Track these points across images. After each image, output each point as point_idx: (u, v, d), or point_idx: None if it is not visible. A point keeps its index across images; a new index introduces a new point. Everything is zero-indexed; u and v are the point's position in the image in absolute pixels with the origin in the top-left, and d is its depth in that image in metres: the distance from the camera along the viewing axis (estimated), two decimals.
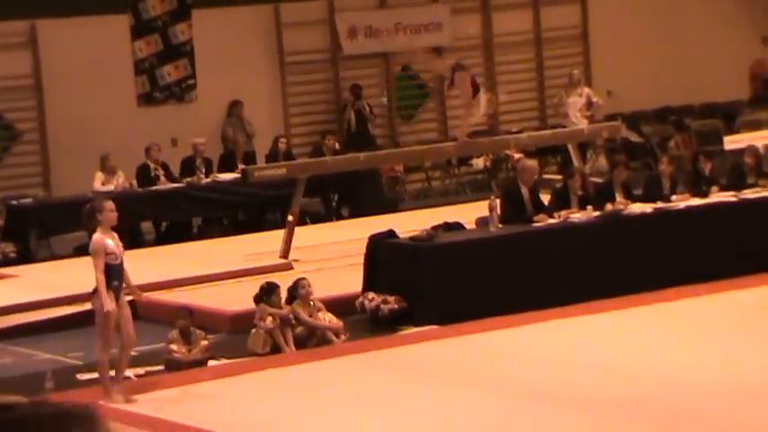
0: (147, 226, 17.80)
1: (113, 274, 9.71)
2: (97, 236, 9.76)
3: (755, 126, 19.38)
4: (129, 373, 10.50)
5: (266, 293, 11.32)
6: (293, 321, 11.28)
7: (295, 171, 15.33)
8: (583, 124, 18.45)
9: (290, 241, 14.67)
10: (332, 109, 20.36)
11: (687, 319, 11.43)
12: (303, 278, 11.56)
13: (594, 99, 19.56)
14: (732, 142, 16.57)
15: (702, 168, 14.14)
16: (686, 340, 10.70)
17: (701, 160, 14.37)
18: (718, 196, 13.65)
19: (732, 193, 13.71)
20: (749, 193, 13.66)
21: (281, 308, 11.28)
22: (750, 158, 14.40)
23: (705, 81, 22.01)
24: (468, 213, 14.14)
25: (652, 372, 9.71)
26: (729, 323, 11.20)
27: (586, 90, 19.76)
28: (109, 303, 9.58)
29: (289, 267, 13.99)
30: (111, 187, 17.12)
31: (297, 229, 14.91)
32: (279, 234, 15.02)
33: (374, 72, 20.68)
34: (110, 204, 9.93)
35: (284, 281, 11.74)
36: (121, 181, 17.29)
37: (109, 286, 9.66)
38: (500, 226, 12.57)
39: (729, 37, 22.46)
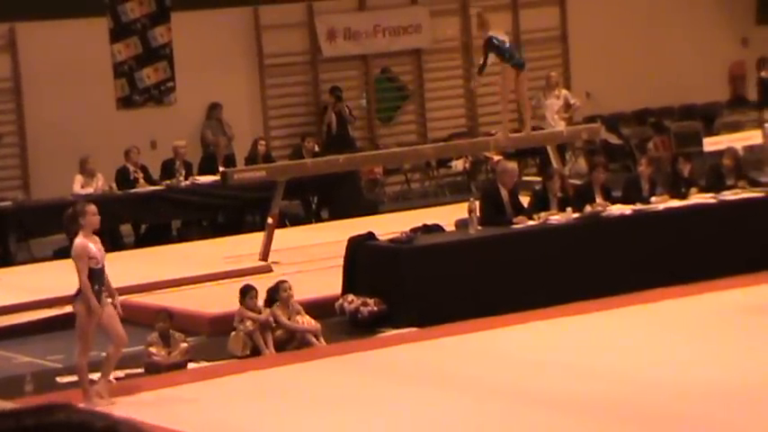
0: (126, 229, 17.76)
1: (95, 278, 9.70)
2: (80, 240, 9.74)
3: (734, 128, 19.45)
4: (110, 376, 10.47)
5: (242, 295, 11.31)
6: (273, 324, 11.27)
7: (274, 173, 15.32)
8: (560, 126, 18.47)
9: (270, 244, 14.66)
10: (311, 111, 20.36)
11: (667, 321, 11.46)
12: (284, 281, 11.55)
13: (572, 101, 19.61)
14: (711, 144, 16.63)
15: (681, 170, 14.18)
16: (666, 342, 10.73)
17: (680, 162, 14.40)
18: (697, 198, 13.69)
19: (711, 194, 13.75)
20: (728, 195, 13.71)
21: (257, 310, 11.27)
22: (729, 160, 14.43)
23: (684, 83, 22.07)
24: (448, 215, 14.15)
25: (631, 373, 9.73)
26: (708, 324, 11.23)
27: (564, 92, 19.80)
28: (96, 305, 9.56)
29: (268, 270, 13.98)
30: (90, 190, 17.07)
31: (276, 231, 14.90)
32: (258, 236, 15.00)
33: (353, 74, 20.69)
34: (92, 208, 9.92)
35: (263, 283, 11.73)
36: (101, 184, 17.24)
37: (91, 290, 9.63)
38: (479, 228, 12.58)
39: (709, 39, 22.53)
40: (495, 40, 14.60)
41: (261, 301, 11.40)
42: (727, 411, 8.71)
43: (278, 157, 18.66)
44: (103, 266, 9.78)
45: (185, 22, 19.16)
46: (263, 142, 18.63)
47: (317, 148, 18.56)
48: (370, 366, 10.57)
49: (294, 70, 20.17)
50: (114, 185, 17.37)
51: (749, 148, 16.73)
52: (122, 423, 1.74)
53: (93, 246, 9.75)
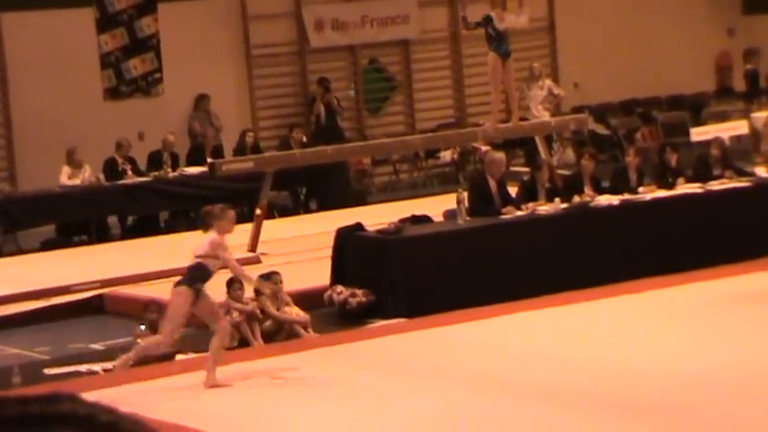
0: (114, 220, 17.73)
1: (206, 275, 9.74)
2: (217, 237, 9.77)
3: (721, 118, 19.48)
4: (97, 367, 10.47)
5: (228, 287, 11.30)
6: (260, 315, 11.27)
7: (263, 164, 15.30)
8: (545, 117, 18.49)
9: (258, 235, 14.65)
10: (299, 102, 20.33)
11: (654, 311, 11.48)
12: (276, 272, 11.54)
13: (556, 91, 19.61)
14: (698, 134, 16.65)
15: (669, 160, 14.20)
16: (653, 331, 10.74)
17: (668, 152, 14.42)
18: (684, 188, 13.72)
19: (698, 184, 13.77)
20: (715, 185, 13.73)
21: (244, 301, 11.27)
22: (716, 150, 14.46)
23: (671, 73, 22.09)
24: (436, 206, 14.15)
25: (619, 363, 9.75)
26: (696, 314, 11.25)
27: (548, 83, 19.81)
28: (250, 276, 10.15)
29: (257, 261, 13.97)
30: (77, 181, 17.05)
31: (265, 222, 14.88)
32: (247, 228, 14.98)
33: (341, 65, 20.67)
34: (232, 215, 10.00)
35: (252, 274, 11.71)
36: (87, 175, 17.21)
37: (193, 286, 9.68)
38: (468, 219, 12.58)
39: (695, 29, 22.55)
40: (490, 22, 14.60)
41: (249, 292, 11.39)
42: (713, 401, 8.73)
43: (266, 148, 18.64)
44: (215, 271, 9.87)
45: (172, 13, 19.11)
46: (251, 133, 18.60)
47: (305, 139, 18.55)
48: (359, 357, 10.58)
49: (282, 61, 20.14)
50: (102, 177, 17.34)
51: (736, 139, 16.77)
52: (126, 418, 1.73)
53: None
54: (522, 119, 17.40)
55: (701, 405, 8.69)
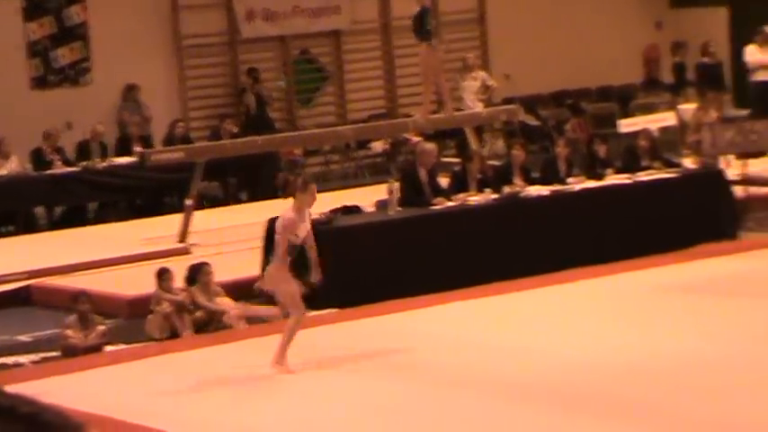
0: (41, 211, 17.54)
1: (289, 251, 9.70)
2: (290, 215, 9.71)
3: (649, 109, 19.64)
4: (24, 359, 10.36)
5: (158, 278, 11.23)
6: (191, 306, 11.21)
7: (193, 155, 15.22)
8: (478, 108, 18.55)
9: (188, 225, 14.57)
10: (230, 92, 20.23)
11: (584, 301, 11.57)
12: (207, 263, 11.49)
13: (490, 83, 19.69)
14: (627, 125, 16.77)
15: (598, 151, 14.32)
16: (583, 321, 10.83)
17: (597, 143, 14.54)
18: (612, 179, 13.84)
19: (627, 175, 13.90)
20: (643, 176, 13.87)
21: (174, 292, 11.20)
22: (644, 141, 14.61)
23: (600, 65, 22.26)
24: (368, 197, 14.15)
25: (551, 353, 9.81)
26: (625, 304, 11.35)
27: (481, 74, 19.87)
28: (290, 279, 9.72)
29: (186, 251, 13.89)
30: (4, 172, 16.84)
31: (195, 212, 14.80)
32: (177, 218, 14.90)
33: (272, 55, 20.58)
34: (314, 188, 9.85)
35: (182, 265, 11.66)
36: (14, 165, 17.01)
37: (285, 262, 9.67)
38: (399, 209, 12.60)
39: (624, 22, 22.75)
40: (424, 14, 14.60)
41: (180, 282, 11.33)
42: (642, 389, 8.82)
43: (196, 138, 18.52)
44: (303, 242, 9.77)
45: (101, 2, 18.92)
46: (181, 124, 18.48)
47: (235, 130, 18.46)
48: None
49: (212, 51, 20.02)
50: (29, 167, 17.15)
51: (664, 130, 16.92)
52: (48, 409, 1.71)
53: (302, 222, 9.71)
54: (456, 110, 17.45)
55: (629, 394, 8.77)
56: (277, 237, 9.74)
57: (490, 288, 11.90)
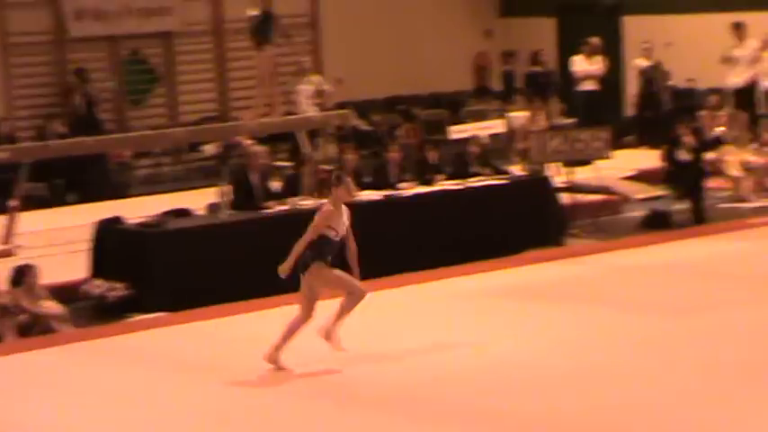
0: None
1: (330, 247, 9.46)
2: (329, 208, 9.47)
3: (480, 116, 19.93)
4: None
5: None
6: (14, 309, 10.96)
7: (18, 155, 14.86)
8: (313, 112, 18.58)
9: (13, 227, 14.22)
10: (57, 92, 19.85)
11: (411, 305, 11.66)
12: (32, 265, 11.26)
13: (324, 87, 19.74)
14: (457, 132, 16.98)
15: (428, 157, 14.48)
16: (409, 326, 10.90)
17: (428, 149, 14.71)
18: (443, 184, 14.00)
19: (456, 181, 14.08)
20: (472, 182, 14.07)
21: None
22: (474, 148, 14.85)
23: (432, 72, 22.53)
24: (199, 200, 14.05)
25: (371, 356, 9.86)
26: (452, 308, 11.47)
27: (316, 78, 19.92)
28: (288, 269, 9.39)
29: (11, 254, 13.56)
30: None
31: (20, 214, 14.46)
32: (1, 220, 14.55)
33: (102, 55, 20.27)
34: (351, 183, 9.64)
35: (6, 267, 11.40)
36: None
37: (323, 259, 9.40)
38: (230, 212, 12.53)
39: (454, 30, 23.07)
40: (267, 19, 14.57)
41: (3, 285, 11.07)
42: (463, 390, 8.93)
43: (22, 138, 18.13)
44: (342, 240, 9.48)
45: None
46: (5, 123, 18.07)
47: (63, 130, 18.13)
48: (118, 352, 10.40)
49: (39, 50, 19.62)
50: None
51: (493, 137, 17.18)
52: None
53: (339, 217, 9.44)
54: (289, 114, 17.42)
55: (448, 395, 8.87)
56: (310, 225, 9.51)
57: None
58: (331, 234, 9.51)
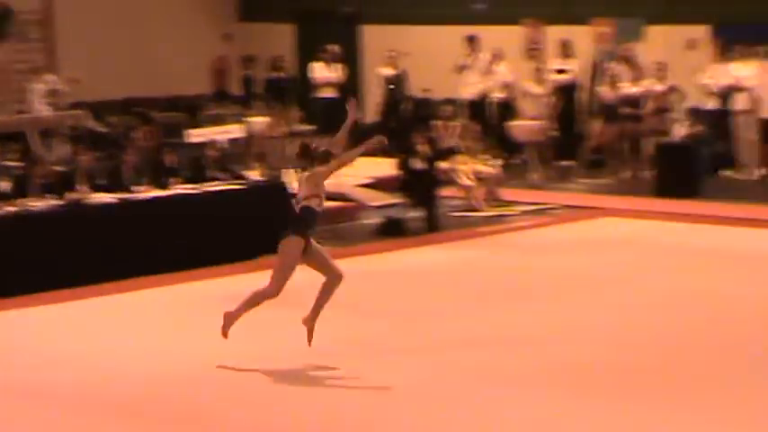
0: None
1: (312, 218, 9.33)
2: (317, 169, 9.44)
3: (218, 120, 19.83)
4: None
5: None
6: None
7: None
8: (46, 111, 18.13)
9: None
10: None
11: (145, 310, 11.50)
12: None
13: (59, 87, 19.28)
14: (195, 136, 16.83)
15: (165, 160, 14.32)
16: (139, 331, 10.74)
17: (165, 152, 14.55)
18: (179, 188, 13.87)
19: (193, 185, 13.97)
20: (209, 186, 13.99)
21: None
22: (212, 152, 14.78)
23: (170, 75, 22.32)
24: None
25: (101, 362, 9.69)
26: (186, 314, 11.36)
27: (51, 77, 19.45)
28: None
29: None
30: None
31: None
32: None
33: None
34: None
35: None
36: None
37: (303, 233, 9.27)
38: None
39: (193, 33, 22.94)
40: (6, 15, 14.10)
41: None
42: (194, 397, 8.87)
43: None
44: (322, 212, 9.35)
45: None
46: None
47: None
48: None
49: None
50: None
51: (232, 141, 17.11)
52: None
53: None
54: (21, 112, 16.94)
55: (180, 402, 8.79)
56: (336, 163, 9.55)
57: (46, 296, 11.64)
58: (314, 203, 9.40)
